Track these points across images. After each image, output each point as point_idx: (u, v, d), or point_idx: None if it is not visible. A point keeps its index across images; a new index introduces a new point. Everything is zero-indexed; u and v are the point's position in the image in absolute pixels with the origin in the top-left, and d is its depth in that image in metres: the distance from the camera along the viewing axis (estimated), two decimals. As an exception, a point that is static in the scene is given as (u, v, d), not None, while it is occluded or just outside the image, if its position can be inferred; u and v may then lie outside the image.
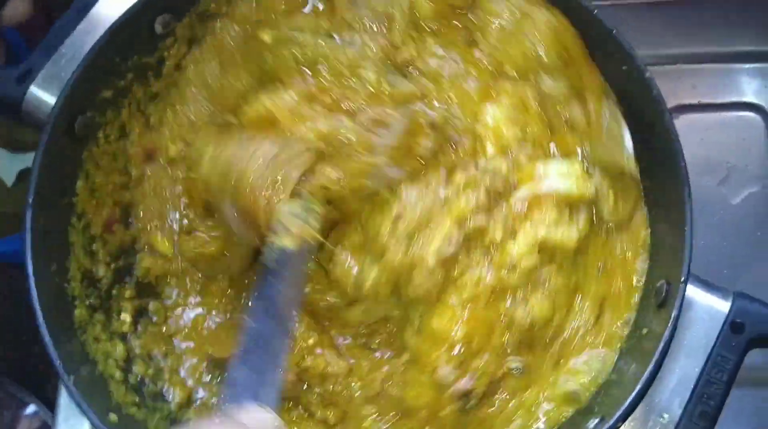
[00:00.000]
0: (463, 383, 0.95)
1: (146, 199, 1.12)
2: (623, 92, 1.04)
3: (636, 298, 0.99)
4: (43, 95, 1.05)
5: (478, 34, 1.04)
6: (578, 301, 0.99)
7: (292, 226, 0.92)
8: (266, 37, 1.03)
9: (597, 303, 1.00)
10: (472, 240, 0.95)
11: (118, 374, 1.02)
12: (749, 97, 1.41)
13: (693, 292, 0.92)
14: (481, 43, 1.04)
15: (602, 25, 1.00)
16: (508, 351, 0.96)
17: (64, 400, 1.18)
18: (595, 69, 1.03)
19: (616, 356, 0.97)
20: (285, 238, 0.91)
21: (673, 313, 0.87)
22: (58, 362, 0.90)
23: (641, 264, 1.00)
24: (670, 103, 1.38)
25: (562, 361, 0.98)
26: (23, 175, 1.61)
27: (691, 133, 1.38)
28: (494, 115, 1.00)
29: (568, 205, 0.97)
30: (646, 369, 0.86)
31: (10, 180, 1.61)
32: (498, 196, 0.96)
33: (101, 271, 1.07)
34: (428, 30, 1.06)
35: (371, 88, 0.97)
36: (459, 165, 0.99)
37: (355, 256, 1.00)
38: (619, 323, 0.99)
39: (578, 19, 1.03)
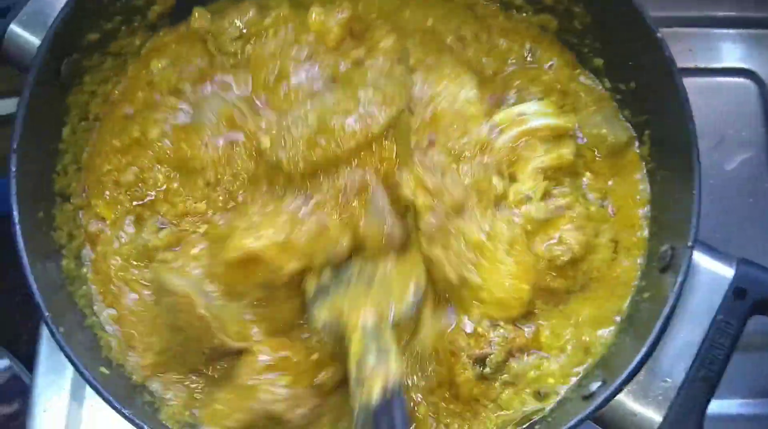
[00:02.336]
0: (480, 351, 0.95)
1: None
2: (631, 52, 1.02)
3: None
4: (25, 34, 1.00)
5: None
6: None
7: (371, 376, 0.85)
8: None
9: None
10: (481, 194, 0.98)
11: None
12: (743, 63, 1.40)
13: (698, 257, 0.92)
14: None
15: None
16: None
17: (44, 355, 1.15)
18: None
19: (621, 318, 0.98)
20: (363, 392, 0.84)
21: (679, 279, 0.87)
22: (46, 314, 0.86)
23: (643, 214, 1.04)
24: (666, 66, 1.37)
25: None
26: (-4, 121, 1.56)
27: (686, 98, 1.37)
28: None
29: (554, 137, 1.02)
30: (650, 333, 0.86)
31: (-22, 127, 1.56)
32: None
33: (90, 220, 1.03)
34: None
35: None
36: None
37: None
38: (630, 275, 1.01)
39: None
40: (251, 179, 1.01)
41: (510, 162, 1.01)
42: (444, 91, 1.03)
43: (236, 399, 0.92)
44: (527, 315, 0.98)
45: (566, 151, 1.02)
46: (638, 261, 1.00)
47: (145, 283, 0.99)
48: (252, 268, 0.94)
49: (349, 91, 1.00)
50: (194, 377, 0.98)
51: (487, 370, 0.95)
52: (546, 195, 1.01)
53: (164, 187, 1.03)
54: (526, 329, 0.97)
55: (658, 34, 0.96)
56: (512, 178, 1.01)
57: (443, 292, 0.99)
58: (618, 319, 0.98)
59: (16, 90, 1.49)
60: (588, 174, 1.06)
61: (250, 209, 0.98)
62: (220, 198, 1.02)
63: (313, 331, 0.95)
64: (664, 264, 0.92)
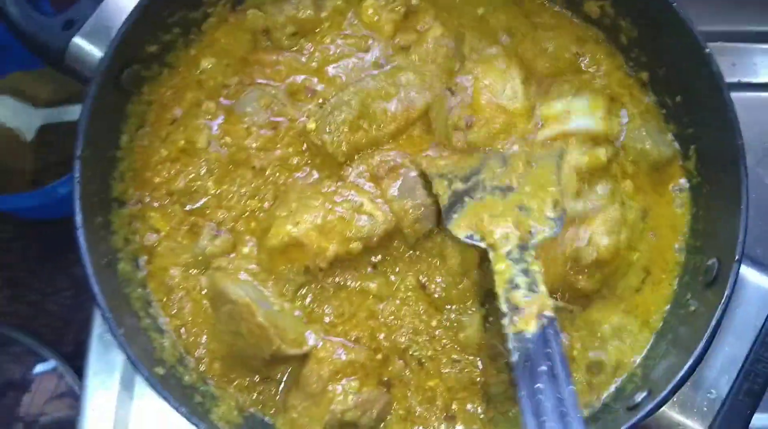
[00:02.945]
0: None
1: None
2: (678, 67, 1.04)
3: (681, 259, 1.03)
4: (88, 46, 1.03)
5: None
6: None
7: (522, 303, 0.86)
8: None
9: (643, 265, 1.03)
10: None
11: (162, 329, 1.02)
12: (789, 78, 1.40)
13: (744, 271, 0.92)
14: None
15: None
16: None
17: (93, 355, 1.19)
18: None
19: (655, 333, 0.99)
20: (519, 322, 0.84)
21: (726, 293, 0.87)
22: (109, 315, 0.89)
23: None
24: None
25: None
26: (42, 131, 1.59)
27: (729, 112, 1.37)
28: None
29: (592, 140, 1.03)
30: (696, 347, 0.87)
31: (30, 135, 1.59)
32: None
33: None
34: None
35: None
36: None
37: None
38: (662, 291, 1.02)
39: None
40: (293, 165, 1.05)
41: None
42: (490, 83, 1.05)
43: (310, 407, 0.95)
44: None
45: (602, 152, 1.03)
46: (666, 292, 1.02)
47: (205, 291, 1.02)
48: (295, 254, 0.97)
49: (390, 77, 1.05)
50: (257, 379, 1.00)
51: None
52: (580, 193, 1.02)
53: (217, 191, 1.05)
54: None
55: (707, 50, 0.97)
56: None
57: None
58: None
59: (70, 99, 1.57)
60: (628, 182, 1.06)
61: (290, 197, 1.01)
62: (270, 188, 1.05)
63: (453, 241, 0.97)
64: (710, 278, 0.93)
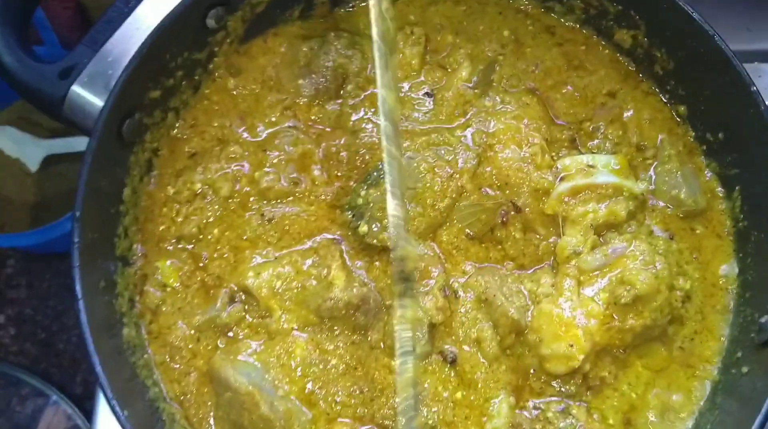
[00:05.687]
0: None
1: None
2: (720, 103, 0.97)
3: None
4: (87, 95, 0.96)
5: None
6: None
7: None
8: None
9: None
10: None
11: (172, 401, 0.96)
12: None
13: (805, 331, 0.85)
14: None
15: (705, 33, 0.92)
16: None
17: (103, 405, 1.14)
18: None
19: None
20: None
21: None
22: (113, 401, 0.82)
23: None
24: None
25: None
26: (47, 162, 1.55)
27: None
28: None
29: (615, 193, 0.96)
30: (756, 418, 0.79)
31: (34, 166, 1.56)
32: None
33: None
34: None
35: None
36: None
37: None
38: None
39: (679, 24, 0.96)
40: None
41: (561, 216, 0.96)
42: (510, 134, 1.00)
43: None
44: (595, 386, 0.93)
45: (622, 207, 0.96)
46: (722, 338, 0.94)
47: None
48: None
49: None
50: None
51: None
52: (596, 244, 0.96)
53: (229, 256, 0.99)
54: (595, 417, 0.91)
55: (753, 88, 0.90)
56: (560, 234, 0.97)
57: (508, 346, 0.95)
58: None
59: (67, 130, 1.52)
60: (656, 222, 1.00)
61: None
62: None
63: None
64: (765, 337, 0.85)
